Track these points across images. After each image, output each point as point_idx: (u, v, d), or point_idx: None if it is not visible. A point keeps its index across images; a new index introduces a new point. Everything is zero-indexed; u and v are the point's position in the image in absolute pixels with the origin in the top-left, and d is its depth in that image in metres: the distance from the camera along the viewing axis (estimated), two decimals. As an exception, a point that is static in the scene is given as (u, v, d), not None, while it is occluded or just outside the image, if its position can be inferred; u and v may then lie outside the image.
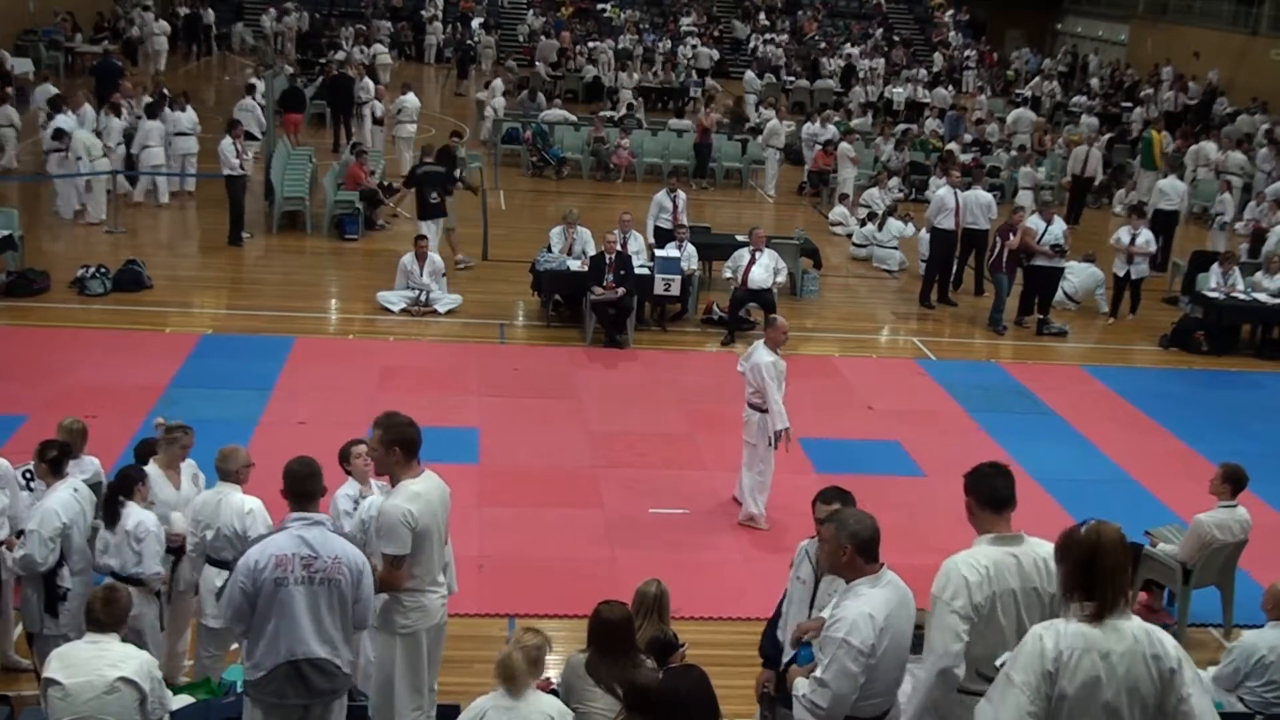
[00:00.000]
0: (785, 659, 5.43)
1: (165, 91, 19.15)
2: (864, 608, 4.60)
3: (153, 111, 17.40)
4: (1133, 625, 3.82)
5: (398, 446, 5.33)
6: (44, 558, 6.12)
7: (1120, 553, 3.81)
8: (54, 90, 18.77)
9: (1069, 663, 3.76)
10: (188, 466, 6.90)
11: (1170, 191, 18.14)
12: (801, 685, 4.77)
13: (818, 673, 4.66)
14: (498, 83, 25.52)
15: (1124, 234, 15.30)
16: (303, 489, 5.07)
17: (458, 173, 15.88)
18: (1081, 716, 3.76)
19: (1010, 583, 4.47)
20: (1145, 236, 15.25)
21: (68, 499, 6.29)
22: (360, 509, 6.39)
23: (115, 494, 6.38)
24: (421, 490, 5.36)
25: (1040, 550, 4.51)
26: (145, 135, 16.94)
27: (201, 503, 6.37)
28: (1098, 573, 3.79)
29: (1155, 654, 3.79)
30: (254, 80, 21.39)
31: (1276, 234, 16.46)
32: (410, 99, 20.65)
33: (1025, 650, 3.86)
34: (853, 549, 4.69)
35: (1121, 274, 15.29)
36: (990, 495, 4.59)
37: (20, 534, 6.45)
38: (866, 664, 4.57)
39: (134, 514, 6.29)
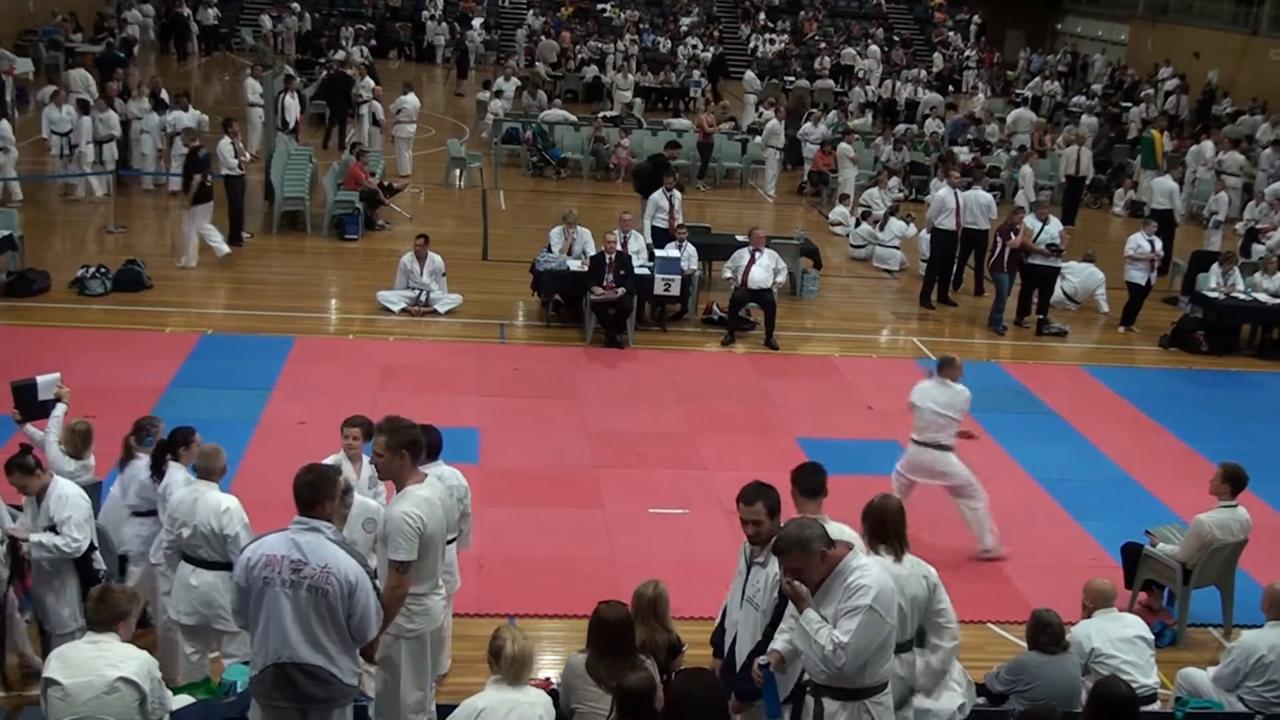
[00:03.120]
0: (727, 643, 5.60)
1: (161, 93, 19.11)
2: (876, 570, 4.89)
3: (101, 106, 17.45)
4: (911, 559, 5.51)
5: (406, 450, 5.32)
6: (85, 536, 6.17)
7: (899, 516, 5.53)
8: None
9: None
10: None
11: (1161, 190, 18.08)
12: (824, 636, 4.75)
13: (839, 636, 4.72)
14: (500, 81, 25.47)
15: (1142, 240, 14.68)
16: (300, 495, 5.00)
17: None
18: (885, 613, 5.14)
19: None
20: (1159, 242, 15.06)
21: (76, 485, 6.33)
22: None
23: (163, 451, 6.56)
24: (428, 496, 5.36)
25: (833, 528, 5.51)
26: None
27: (178, 500, 6.32)
28: (887, 528, 5.48)
29: (924, 574, 5.53)
30: (290, 73, 21.66)
31: (1278, 234, 16.44)
32: (410, 99, 20.61)
33: None
34: (825, 547, 4.82)
35: (1144, 282, 14.64)
36: (811, 488, 5.68)
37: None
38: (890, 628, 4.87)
39: (167, 474, 6.56)
